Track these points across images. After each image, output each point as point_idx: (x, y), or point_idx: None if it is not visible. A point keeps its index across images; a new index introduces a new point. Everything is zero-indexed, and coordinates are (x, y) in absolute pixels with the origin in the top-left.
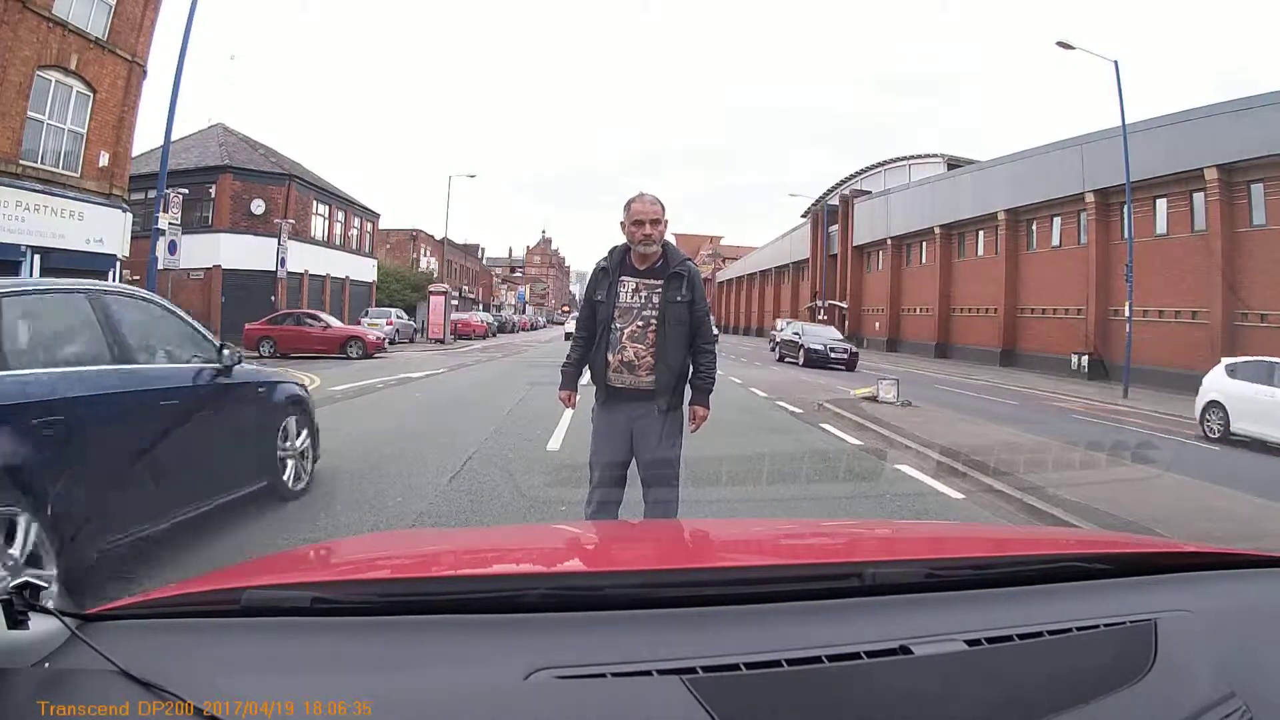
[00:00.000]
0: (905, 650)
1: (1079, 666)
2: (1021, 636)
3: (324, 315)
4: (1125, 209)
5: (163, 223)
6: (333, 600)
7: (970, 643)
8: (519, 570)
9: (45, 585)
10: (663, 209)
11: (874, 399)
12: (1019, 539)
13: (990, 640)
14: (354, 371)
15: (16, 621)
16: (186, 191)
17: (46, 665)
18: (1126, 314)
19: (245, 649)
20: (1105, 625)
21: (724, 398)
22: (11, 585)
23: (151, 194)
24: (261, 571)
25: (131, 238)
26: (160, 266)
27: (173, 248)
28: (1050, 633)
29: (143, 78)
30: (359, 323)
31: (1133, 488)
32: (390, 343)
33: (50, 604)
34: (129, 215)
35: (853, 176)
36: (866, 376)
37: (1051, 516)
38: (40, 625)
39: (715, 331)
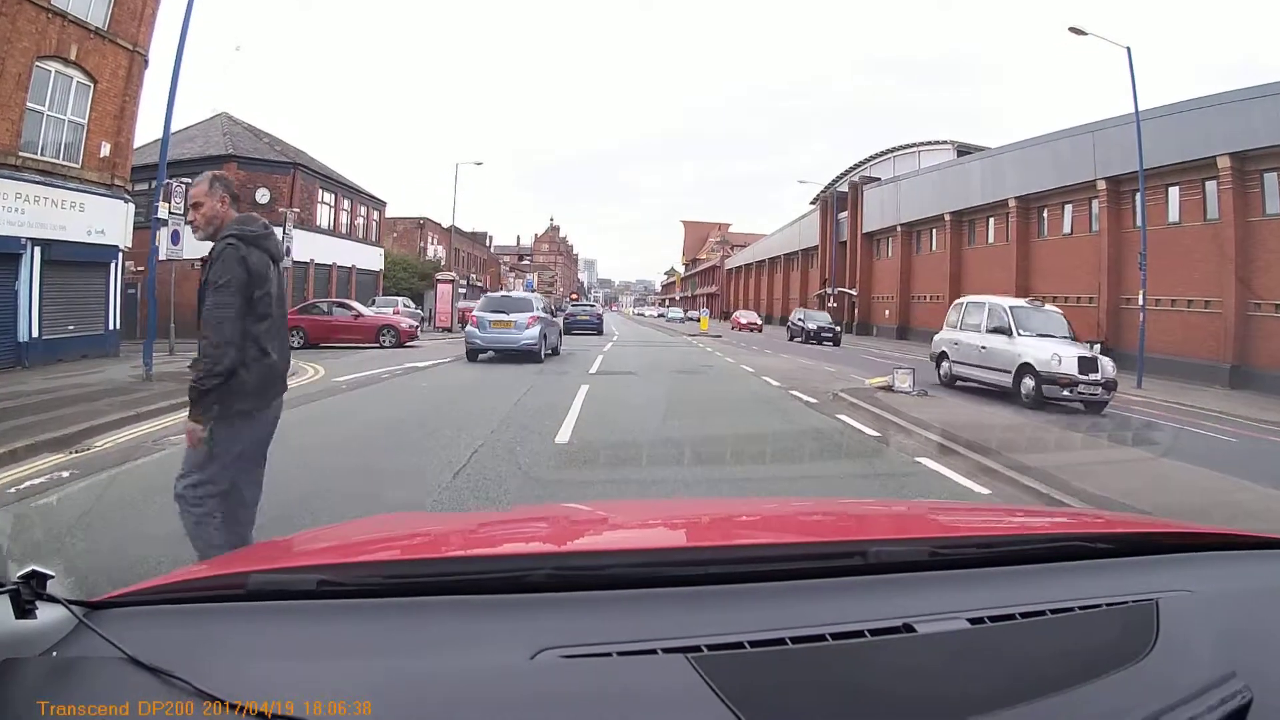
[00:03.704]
0: (909, 628)
1: (1081, 645)
2: (1024, 615)
3: (355, 304)
4: (1139, 197)
5: (163, 212)
6: (338, 583)
7: (973, 621)
8: (524, 550)
9: (52, 574)
10: (208, 187)
11: (889, 389)
12: (1022, 518)
13: (993, 619)
14: (360, 361)
15: (24, 611)
16: (190, 181)
17: (54, 654)
18: (1140, 303)
19: (252, 633)
20: (1107, 605)
21: (737, 387)
22: (19, 575)
23: (155, 185)
24: (267, 555)
25: (134, 229)
26: (163, 257)
27: (175, 237)
28: (1053, 611)
29: (144, 67)
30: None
31: (1173, 481)
32: None
33: (57, 593)
34: (131, 206)
35: (862, 163)
36: (873, 364)
37: None
38: (48, 614)
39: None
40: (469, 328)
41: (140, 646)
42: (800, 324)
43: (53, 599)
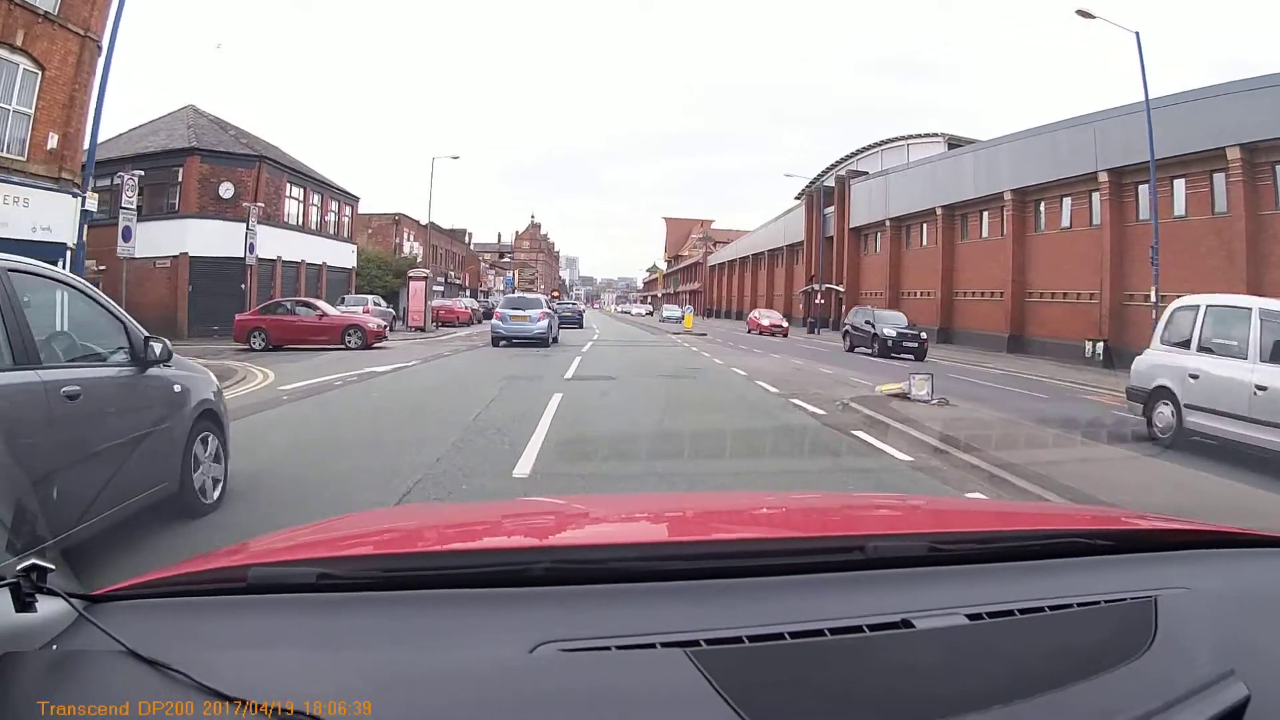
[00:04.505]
0: (907, 624)
1: (1079, 642)
2: (1023, 611)
3: (320, 303)
4: (1143, 189)
5: (90, 203)
6: (338, 576)
7: (972, 616)
8: (523, 544)
9: (52, 567)
10: None
11: (904, 396)
12: (1021, 514)
13: (991, 614)
14: (318, 365)
15: (24, 604)
16: (142, 173)
17: (54, 647)
18: (1153, 300)
19: (252, 626)
20: (1106, 601)
21: (731, 396)
22: (19, 568)
23: (114, 180)
24: (267, 549)
25: (88, 225)
26: (120, 254)
27: (127, 234)
28: (1051, 608)
29: (97, 54)
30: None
31: None
32: None
33: (57, 586)
34: (81, 201)
35: (849, 157)
36: (870, 365)
37: None
38: (47, 607)
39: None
40: (494, 320)
41: (140, 639)
42: (867, 329)
43: (52, 592)
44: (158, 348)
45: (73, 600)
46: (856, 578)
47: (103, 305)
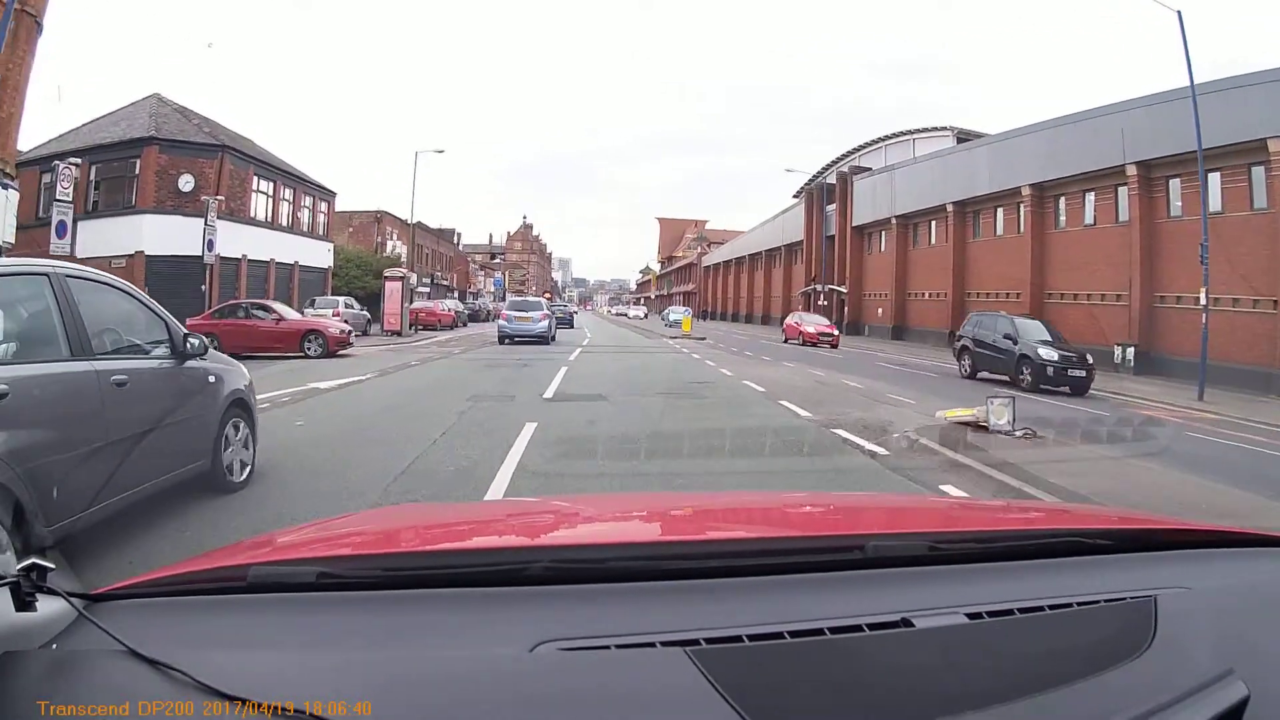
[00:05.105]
0: (907, 623)
1: (1079, 641)
2: (1022, 610)
3: (276, 306)
4: (1179, 183)
5: None
6: (338, 575)
7: (971, 616)
8: (524, 543)
9: (52, 566)
10: None
11: (979, 426)
12: (1021, 513)
13: (991, 614)
14: (258, 380)
15: (24, 604)
16: (79, 162)
17: (54, 646)
18: (1203, 302)
19: (252, 625)
20: (1105, 601)
21: (755, 424)
22: (18, 567)
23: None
24: (267, 548)
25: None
26: (53, 252)
27: (61, 229)
28: (1051, 607)
29: (37, 33)
30: (302, 314)
31: None
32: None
33: (57, 585)
34: (15, 195)
35: (851, 153)
36: (893, 374)
37: None
38: (47, 607)
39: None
40: (499, 321)
41: (140, 638)
42: (1005, 348)
43: (53, 591)
44: (195, 342)
45: (73, 600)
46: (856, 577)
47: (147, 305)
